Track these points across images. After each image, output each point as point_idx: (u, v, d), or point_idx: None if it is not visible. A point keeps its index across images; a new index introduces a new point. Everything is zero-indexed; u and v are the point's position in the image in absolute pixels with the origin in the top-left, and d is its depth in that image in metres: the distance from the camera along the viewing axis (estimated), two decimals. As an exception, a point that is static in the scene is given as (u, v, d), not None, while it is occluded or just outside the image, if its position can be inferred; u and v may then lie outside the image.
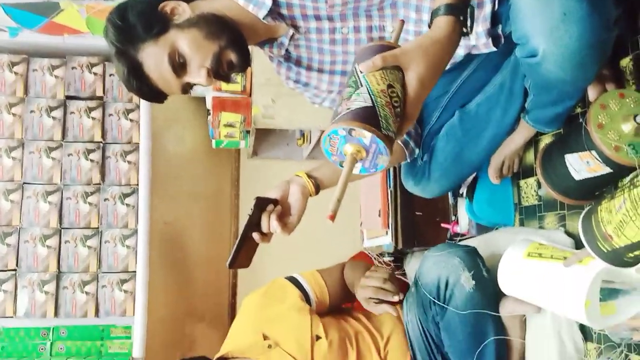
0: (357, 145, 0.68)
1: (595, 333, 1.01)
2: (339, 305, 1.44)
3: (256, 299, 1.37)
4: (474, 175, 1.33)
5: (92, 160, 1.75)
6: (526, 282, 1.01)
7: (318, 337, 1.29)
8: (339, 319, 1.37)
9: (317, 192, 1.14)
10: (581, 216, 0.79)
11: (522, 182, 1.27)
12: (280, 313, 1.33)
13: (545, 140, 1.16)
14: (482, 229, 1.36)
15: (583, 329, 1.04)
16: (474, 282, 1.14)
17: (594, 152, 0.89)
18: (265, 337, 1.30)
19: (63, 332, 1.66)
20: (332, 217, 0.67)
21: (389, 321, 1.38)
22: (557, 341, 1.03)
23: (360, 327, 1.35)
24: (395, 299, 1.31)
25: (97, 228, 1.73)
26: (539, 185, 1.19)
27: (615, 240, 0.73)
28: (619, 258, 0.75)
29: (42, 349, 1.64)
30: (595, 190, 1.00)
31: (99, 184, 1.75)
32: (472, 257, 1.17)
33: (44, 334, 1.65)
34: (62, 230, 1.72)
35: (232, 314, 1.94)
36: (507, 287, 1.07)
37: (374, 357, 1.30)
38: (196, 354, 1.37)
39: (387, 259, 1.70)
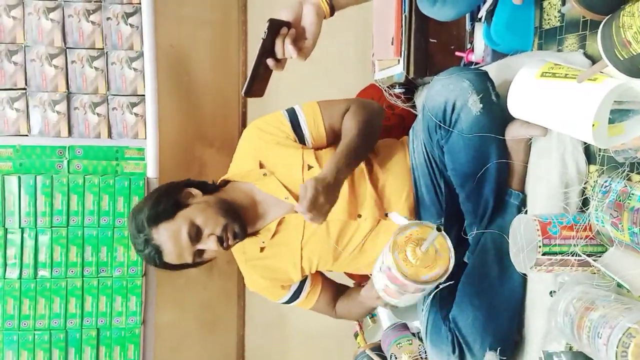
0: None
1: (599, 155, 1.01)
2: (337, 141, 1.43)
3: (254, 130, 1.40)
4: (495, -5, 1.25)
5: (91, -23, 1.66)
6: (536, 102, 0.98)
7: (310, 167, 1.33)
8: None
9: (332, 13, 1.07)
10: (602, 23, 0.74)
11: (545, 3, 1.18)
12: (274, 144, 1.35)
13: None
14: (497, 56, 1.31)
15: (587, 151, 1.04)
16: (481, 105, 1.13)
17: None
18: (261, 166, 1.36)
19: (79, 152, 1.71)
20: None
21: (392, 151, 1.39)
22: (559, 163, 1.04)
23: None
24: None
25: (102, 49, 1.70)
26: (563, 2, 1.11)
27: (634, 46, 0.69)
28: (634, 67, 0.71)
29: (59, 166, 1.70)
30: (622, 3, 0.93)
31: (100, 1, 1.68)
32: (482, 80, 1.14)
33: (60, 153, 1.71)
34: (67, 50, 1.68)
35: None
36: (515, 108, 1.05)
37: (368, 186, 1.34)
38: (203, 179, 1.42)
39: (397, 90, 1.68)
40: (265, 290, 1.47)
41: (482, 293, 1.15)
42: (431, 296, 1.25)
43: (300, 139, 1.37)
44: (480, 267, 1.21)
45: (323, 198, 1.09)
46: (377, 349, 1.55)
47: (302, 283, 1.45)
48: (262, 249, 1.39)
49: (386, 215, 1.34)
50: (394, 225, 1.31)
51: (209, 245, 1.28)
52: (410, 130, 1.42)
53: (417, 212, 1.34)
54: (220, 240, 1.29)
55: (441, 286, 1.17)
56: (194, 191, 1.36)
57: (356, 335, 1.68)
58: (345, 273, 1.80)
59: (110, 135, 1.73)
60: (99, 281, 1.69)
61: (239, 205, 1.35)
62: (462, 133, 1.15)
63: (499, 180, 1.19)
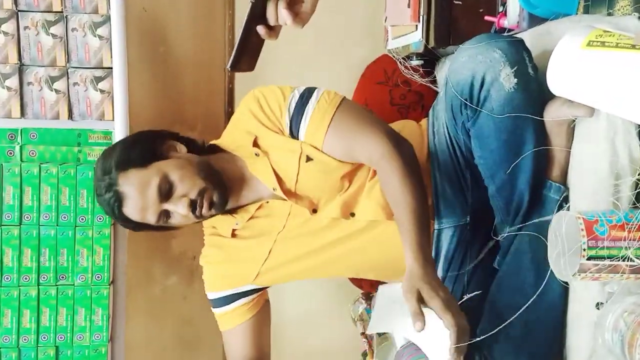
0: None
1: (656, 141, 1.01)
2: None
3: (253, 102, 1.41)
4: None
5: None
6: (582, 77, 0.98)
7: (309, 159, 1.35)
8: None
9: None
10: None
11: (594, -44, 1.17)
12: (267, 129, 1.38)
13: None
14: (535, 22, 1.30)
15: (642, 135, 1.03)
16: (515, 80, 1.13)
17: None
18: (255, 143, 1.38)
19: (33, 135, 1.71)
20: None
21: (407, 136, 1.39)
22: (609, 149, 1.03)
23: None
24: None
25: (61, 12, 1.69)
26: (616, -44, 1.10)
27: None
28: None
29: (10, 153, 1.70)
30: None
31: (58, -45, 1.67)
32: (517, 50, 1.14)
33: (11, 137, 1.70)
34: (19, 13, 1.67)
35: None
36: (557, 84, 1.05)
37: (369, 179, 1.36)
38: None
39: (415, 62, 1.68)
40: (210, 274, 1.49)
41: (516, 306, 1.15)
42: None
43: (294, 137, 1.38)
44: (513, 274, 1.21)
45: (445, 294, 1.07)
46: (390, 371, 1.56)
47: (246, 293, 1.46)
48: (233, 234, 1.43)
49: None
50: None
51: (179, 208, 1.31)
52: (430, 111, 1.42)
53: (436, 210, 1.35)
54: (193, 205, 1.32)
55: (466, 297, 1.17)
56: (179, 146, 1.40)
57: (364, 355, 1.69)
58: (351, 280, 1.80)
59: (71, 116, 1.73)
60: (58, 290, 1.68)
61: (225, 175, 1.38)
62: (493, 113, 1.15)
63: (536, 170, 1.19)
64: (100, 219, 1.68)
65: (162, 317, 2.02)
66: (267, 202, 1.40)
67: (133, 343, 1.88)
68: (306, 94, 1.37)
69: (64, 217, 1.68)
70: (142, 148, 1.35)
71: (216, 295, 1.48)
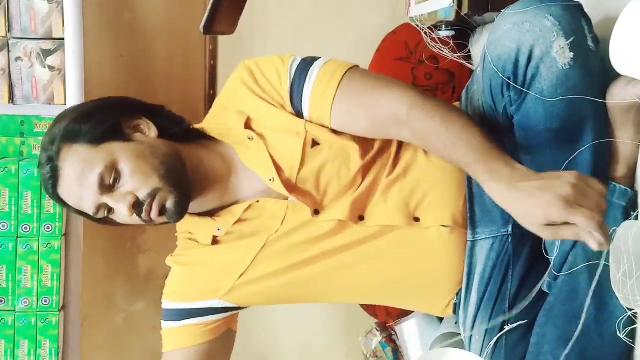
0: None
1: None
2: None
3: (245, 73, 1.41)
4: None
5: None
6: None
7: (316, 143, 1.36)
8: None
9: None
10: None
11: None
12: (264, 103, 1.39)
13: None
14: (596, -19, 1.30)
15: None
16: (571, 54, 1.12)
17: None
18: (247, 125, 1.39)
19: (-36, 124, 1.72)
20: None
21: None
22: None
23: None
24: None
25: (1, -31, 1.69)
26: None
27: None
28: None
29: None
30: None
31: None
32: (574, 17, 1.13)
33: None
34: (-53, -29, 1.68)
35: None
36: (623, 60, 1.04)
37: (386, 177, 1.36)
38: None
39: (444, 33, 1.68)
40: (175, 278, 1.49)
41: (570, 339, 1.14)
42: (493, 341, 1.24)
43: (298, 113, 1.38)
44: (567, 300, 1.21)
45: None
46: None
47: (207, 311, 1.45)
48: (214, 241, 1.42)
49: (416, 220, 1.34)
50: (424, 240, 1.32)
51: (119, 206, 1.30)
52: (463, 93, 1.43)
53: (470, 217, 1.34)
54: (138, 207, 1.31)
55: (508, 328, 1.16)
56: (149, 127, 1.39)
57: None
58: (363, 307, 1.80)
59: (12, 99, 1.73)
60: (-4, 317, 1.70)
61: (205, 171, 1.39)
62: (542, 96, 1.14)
63: (596, 168, 1.18)
64: (48, 228, 1.69)
65: (125, 353, 2.02)
66: (258, 201, 1.39)
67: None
68: (309, 59, 1.37)
69: (3, 226, 1.68)
70: (99, 120, 1.34)
71: (171, 306, 1.47)
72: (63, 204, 1.38)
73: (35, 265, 1.68)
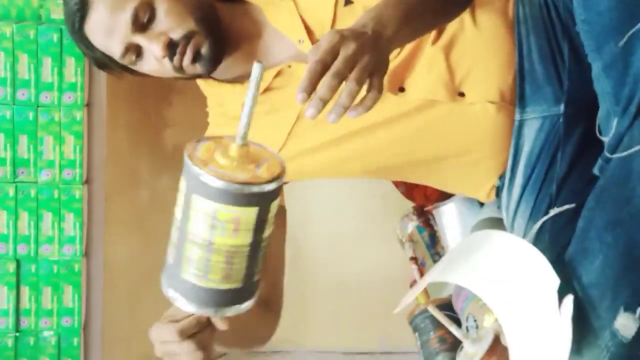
0: None
1: None
2: None
3: None
4: None
5: None
6: None
7: (348, 2, 1.36)
8: None
9: None
10: None
11: None
12: None
13: None
14: None
15: None
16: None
17: None
18: None
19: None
20: None
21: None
22: None
23: None
24: None
25: None
26: None
27: None
28: None
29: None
30: None
31: None
32: None
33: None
34: None
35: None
36: None
37: (430, 46, 1.35)
38: None
39: None
40: None
41: (620, 224, 1.16)
42: (537, 225, 1.27)
43: None
44: (619, 183, 1.21)
45: (357, 50, 1.02)
46: (446, 307, 1.60)
47: None
48: None
49: (461, 95, 1.35)
50: (469, 117, 1.32)
51: (153, 46, 1.32)
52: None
53: (519, 93, 1.35)
54: (172, 48, 1.32)
55: (553, 212, 1.18)
56: None
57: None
58: (400, 190, 1.82)
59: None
60: (17, 189, 1.74)
61: (232, 31, 1.41)
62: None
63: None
64: (70, 97, 1.71)
65: (150, 229, 2.07)
66: (290, 66, 1.40)
67: (114, 260, 1.94)
68: None
69: (23, 95, 1.71)
70: None
71: None
72: (86, 46, 1.39)
73: (57, 136, 1.73)
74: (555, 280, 1.14)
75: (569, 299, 1.14)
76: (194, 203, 0.87)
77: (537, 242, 1.30)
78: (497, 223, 1.50)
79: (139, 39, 1.33)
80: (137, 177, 2.08)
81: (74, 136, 1.72)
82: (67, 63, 1.70)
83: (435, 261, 1.77)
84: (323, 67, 1.00)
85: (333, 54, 1.01)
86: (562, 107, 1.31)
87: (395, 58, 1.35)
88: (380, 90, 1.06)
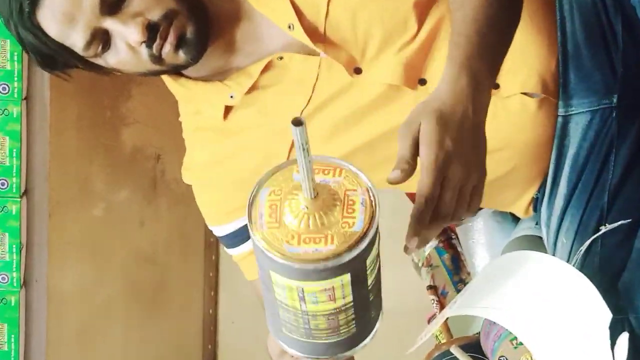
0: None
1: None
2: None
3: None
4: None
5: None
6: None
7: None
8: None
9: None
10: None
11: None
12: None
13: None
14: None
15: None
16: None
17: None
18: None
19: None
20: None
21: None
22: None
23: None
24: None
25: None
26: None
27: None
28: None
29: None
30: None
31: None
32: None
33: None
34: None
35: None
36: None
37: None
38: None
39: None
40: (204, 197, 1.52)
41: None
42: (585, 245, 1.26)
43: None
44: None
45: (463, 175, 1.05)
46: (473, 347, 1.60)
47: None
48: (227, 111, 1.42)
49: (495, 86, 1.33)
50: (503, 112, 1.32)
51: (129, 31, 1.29)
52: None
53: (564, 83, 1.34)
54: (152, 31, 1.29)
55: (604, 229, 1.18)
56: None
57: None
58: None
59: None
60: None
61: (211, 14, 1.39)
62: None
63: None
64: (4, 89, 1.71)
65: (105, 252, 2.08)
66: (281, 57, 1.39)
67: (59, 292, 1.94)
68: None
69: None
70: None
71: (222, 231, 1.52)
72: (35, 35, 1.32)
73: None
74: (607, 314, 1.14)
75: (624, 338, 1.13)
76: (274, 278, 0.88)
77: (584, 266, 1.29)
78: (535, 243, 1.49)
79: (109, 23, 1.28)
80: (89, 188, 2.08)
81: (10, 137, 1.72)
82: (1, 45, 1.69)
83: (458, 290, 1.76)
84: (432, 204, 1.00)
85: (439, 180, 1.01)
86: (614, 98, 1.31)
87: (410, 44, 1.35)
88: (475, 212, 1.09)
